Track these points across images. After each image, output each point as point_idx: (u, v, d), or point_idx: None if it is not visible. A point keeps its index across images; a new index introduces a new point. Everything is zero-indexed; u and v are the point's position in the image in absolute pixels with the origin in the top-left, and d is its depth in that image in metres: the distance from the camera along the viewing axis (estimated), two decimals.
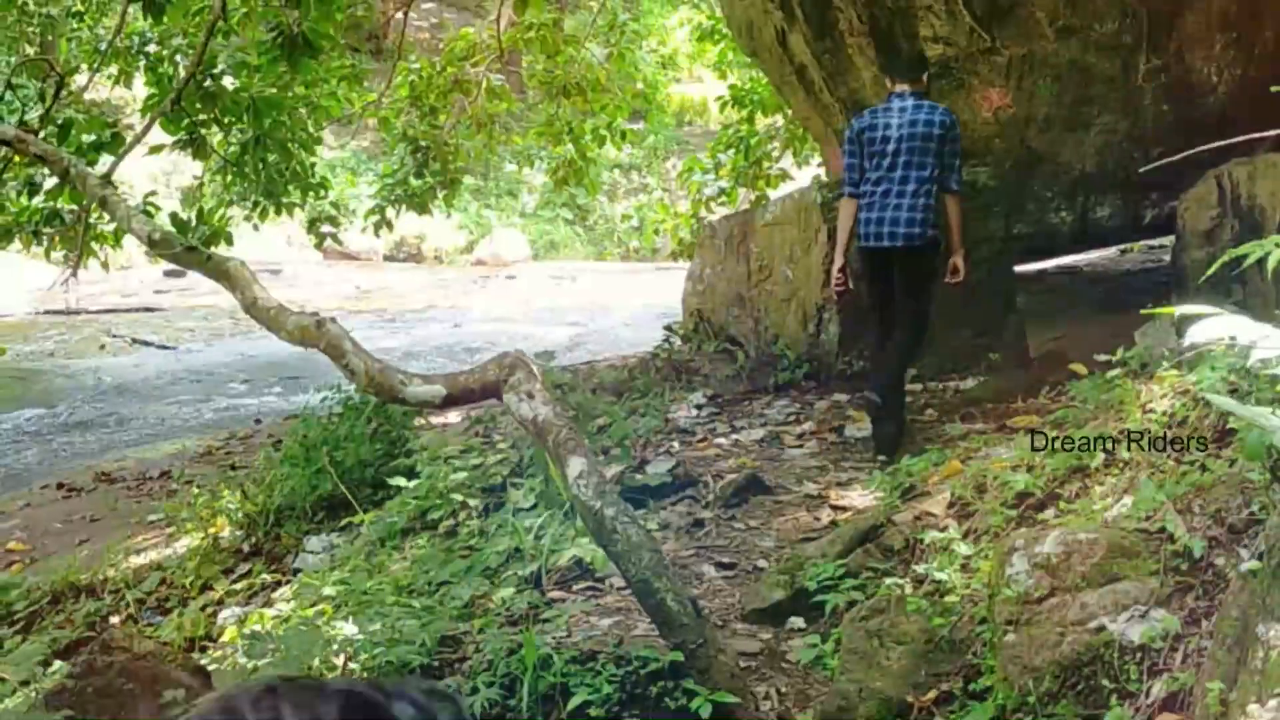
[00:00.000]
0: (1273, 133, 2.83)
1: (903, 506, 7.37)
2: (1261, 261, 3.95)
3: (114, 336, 22.23)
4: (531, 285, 27.69)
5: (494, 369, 6.45)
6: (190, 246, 7.49)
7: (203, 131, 13.14)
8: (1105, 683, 4.46)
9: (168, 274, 25.85)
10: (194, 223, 11.13)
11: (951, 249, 9.37)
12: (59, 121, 11.27)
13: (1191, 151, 3.02)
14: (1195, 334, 2.60)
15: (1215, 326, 2.63)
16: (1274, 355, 2.25)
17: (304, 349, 8.57)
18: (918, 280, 9.31)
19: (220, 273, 7.45)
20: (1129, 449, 6.10)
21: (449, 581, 7.61)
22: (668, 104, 33.77)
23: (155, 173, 25.91)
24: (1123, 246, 16.08)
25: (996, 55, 12.16)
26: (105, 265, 13.50)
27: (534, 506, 8.22)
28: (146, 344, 21.63)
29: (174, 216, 10.78)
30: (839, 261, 9.39)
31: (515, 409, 6.30)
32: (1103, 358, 7.16)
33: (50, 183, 11.73)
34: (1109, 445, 6.21)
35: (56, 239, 12.55)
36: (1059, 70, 11.86)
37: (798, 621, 6.72)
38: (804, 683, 6.12)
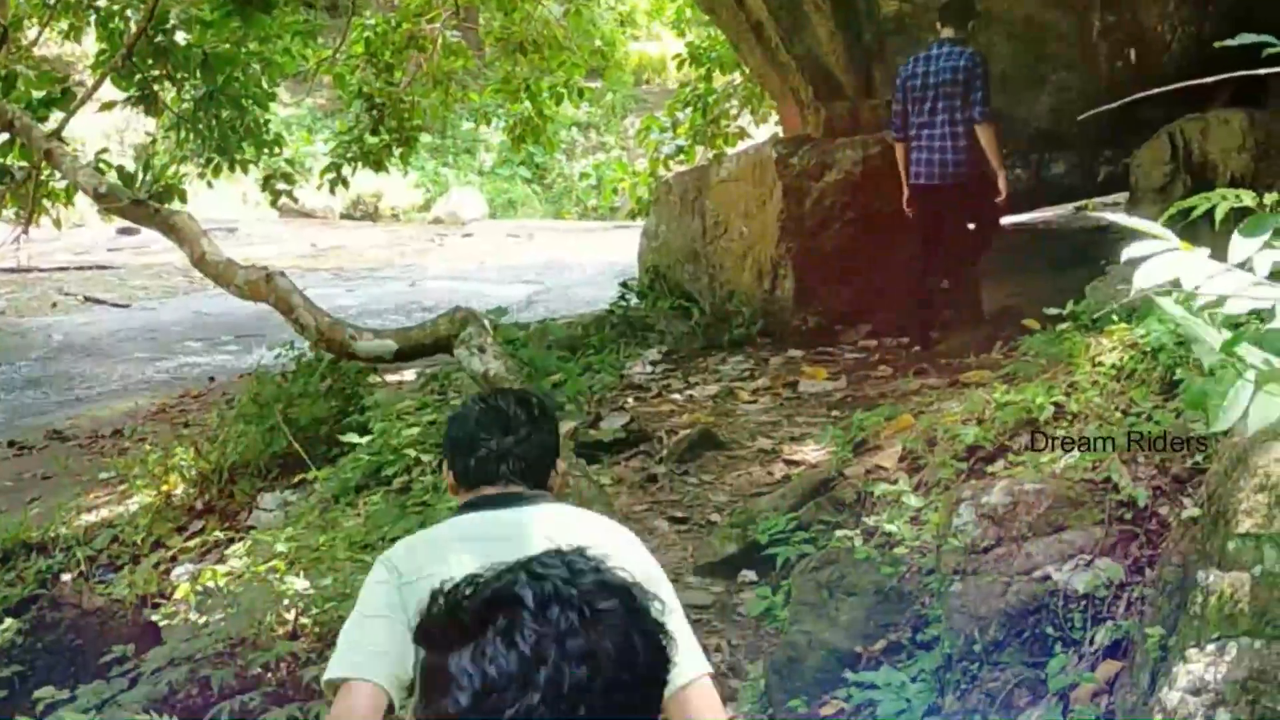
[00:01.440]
0: (1216, 78, 2.82)
1: (854, 460, 7.39)
2: (1210, 214, 3.96)
3: (66, 294, 22.04)
4: (488, 243, 27.55)
5: (445, 324, 6.45)
6: (137, 200, 7.44)
7: (155, 87, 13.01)
8: (1050, 631, 4.49)
9: (121, 232, 25.58)
10: (142, 177, 11.02)
11: (990, 175, 10.15)
12: (3, 74, 11.13)
13: (1142, 94, 3.02)
14: (1141, 277, 2.59)
15: (1163, 267, 2.63)
16: (1220, 295, 2.25)
17: (257, 306, 8.53)
18: (964, 212, 10.40)
19: (168, 226, 7.41)
20: (1078, 402, 6.13)
21: (400, 537, 7.59)
22: (626, 62, 33.54)
23: (108, 130, 25.70)
24: (1078, 204, 16.13)
25: None
26: (57, 223, 13.38)
27: None
28: (99, 302, 21.45)
29: (120, 170, 10.66)
30: (906, 194, 10.46)
31: (466, 363, 6.30)
32: (1053, 311, 7.18)
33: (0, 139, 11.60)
34: (1058, 398, 6.23)
35: (7, 196, 12.42)
36: (1015, 26, 11.85)
37: (750, 575, 6.74)
38: (755, 635, 6.15)
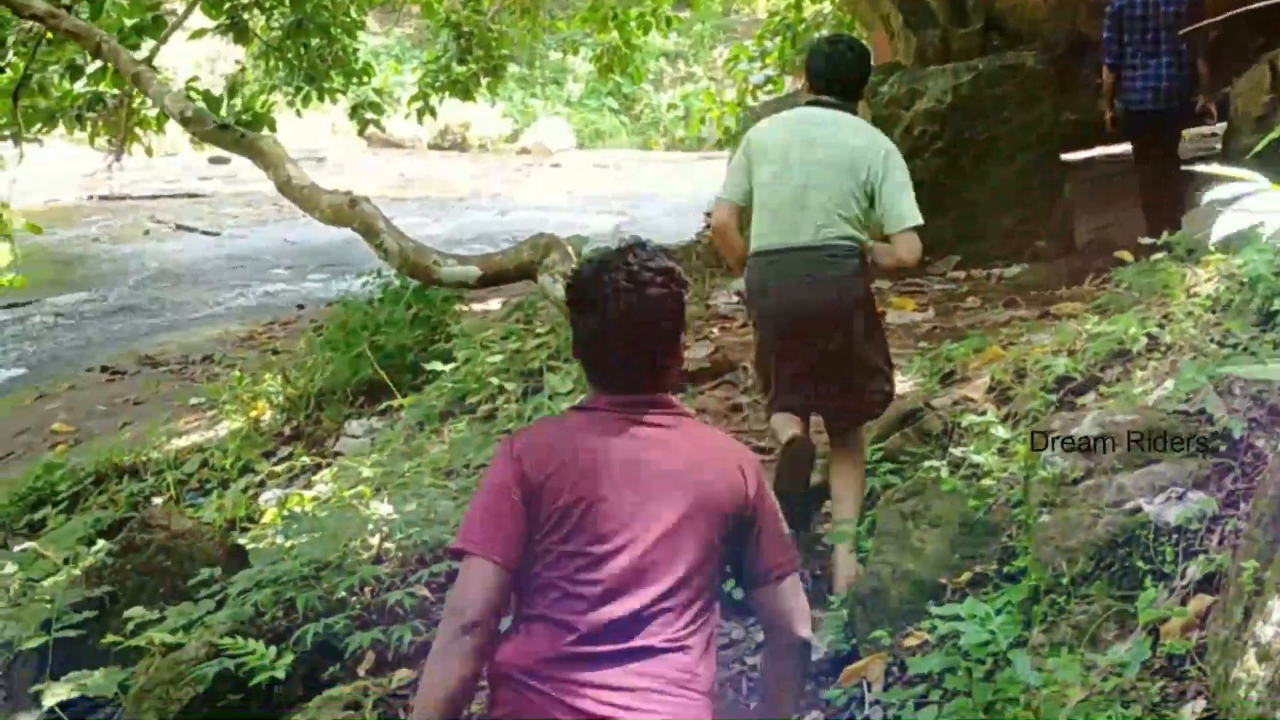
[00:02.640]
0: None
1: (942, 391, 7.30)
2: None
3: (158, 222, 22.27)
4: (576, 174, 27.56)
5: (528, 250, 6.43)
6: (222, 124, 7.45)
7: (244, 16, 13.05)
8: (1140, 564, 4.40)
9: (212, 161, 25.80)
10: (228, 102, 11.06)
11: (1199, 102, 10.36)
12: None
13: (1241, 9, 2.91)
14: (1223, 224, 2.50)
15: (1256, 205, 2.54)
16: None
17: (345, 235, 8.53)
18: (1177, 134, 10.66)
19: (253, 150, 7.42)
20: (1172, 333, 6.02)
21: (485, 464, 7.61)
22: None
23: (199, 59, 25.80)
24: None
25: None
26: (149, 151, 13.48)
27: (570, 391, 8.19)
28: (190, 230, 21.67)
29: (206, 95, 10.70)
30: (1108, 114, 10.58)
31: (549, 290, 6.28)
32: (1148, 241, 7.04)
33: (93, 67, 11.67)
34: (1151, 329, 6.13)
35: (100, 124, 12.52)
36: None
37: None
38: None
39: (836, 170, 5.73)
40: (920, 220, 5.84)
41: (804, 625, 3.37)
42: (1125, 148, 13.29)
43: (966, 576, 5.09)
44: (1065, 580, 4.53)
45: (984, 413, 6.48)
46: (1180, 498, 4.50)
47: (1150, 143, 10.43)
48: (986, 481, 5.62)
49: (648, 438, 3.28)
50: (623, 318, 3.24)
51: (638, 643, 3.10)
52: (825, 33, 18.86)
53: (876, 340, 6.09)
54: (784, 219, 5.74)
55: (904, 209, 5.77)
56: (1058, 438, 5.06)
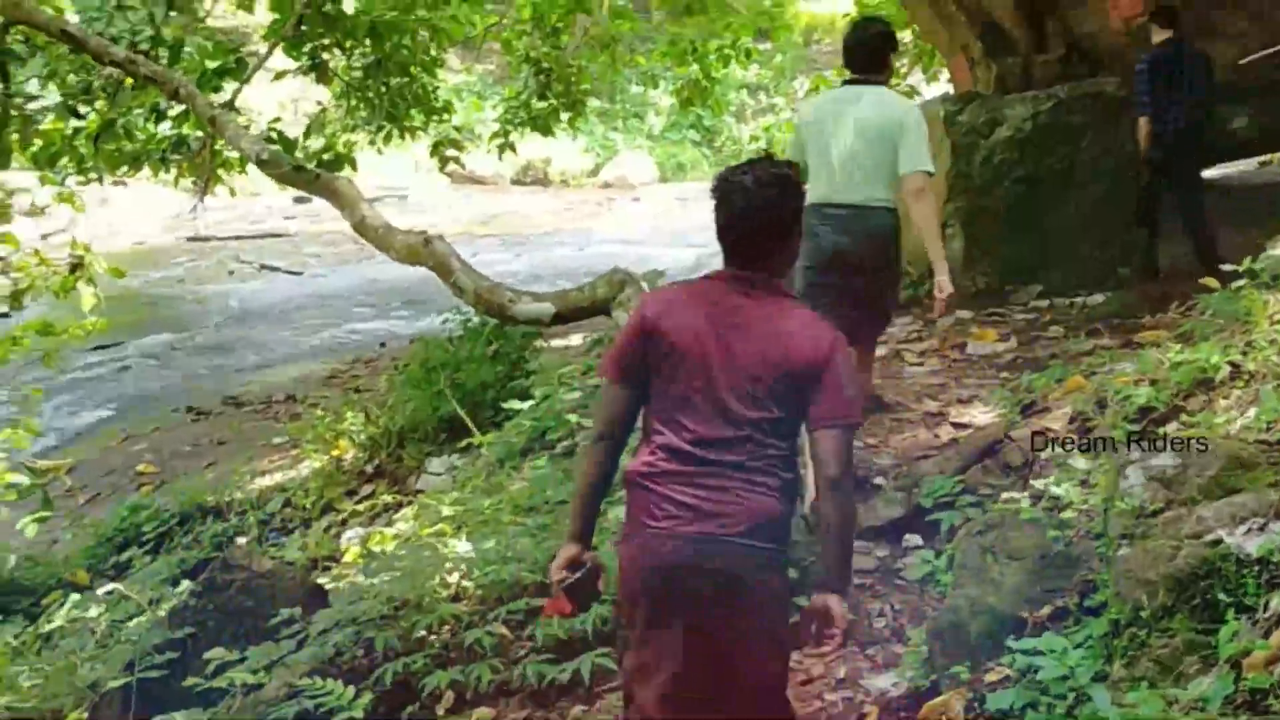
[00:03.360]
0: None
1: (1023, 422, 7.23)
2: None
3: (242, 262, 22.50)
4: (657, 207, 27.61)
5: (603, 286, 6.43)
6: (298, 165, 7.52)
7: (325, 56, 13.17)
8: (1222, 596, 4.32)
9: (296, 200, 26.05)
10: (304, 144, 11.17)
11: None
12: (170, 44, 11.32)
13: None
14: None
15: None
16: None
17: (427, 272, 8.56)
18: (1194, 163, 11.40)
19: (328, 191, 7.48)
20: (1255, 361, 5.93)
21: (564, 501, 7.60)
22: (795, 22, 33.27)
23: (284, 99, 26.11)
24: (1261, 159, 15.65)
25: None
26: (232, 191, 13.62)
27: None
28: (274, 269, 21.88)
29: (281, 136, 10.80)
30: (1143, 157, 11.17)
31: None
32: (1231, 268, 6.94)
33: (176, 111, 11.82)
34: (1234, 357, 6.03)
35: (184, 165, 12.67)
36: None
37: (914, 539, 6.63)
38: (919, 599, 6.05)
39: (868, 140, 6.99)
40: (930, 167, 7.00)
41: (836, 467, 3.97)
42: (1211, 173, 13.18)
43: (1047, 610, 5.03)
44: (1146, 614, 4.45)
45: (1065, 444, 6.41)
46: (1262, 529, 4.42)
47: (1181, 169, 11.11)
48: (1066, 514, 5.55)
49: (745, 305, 4.10)
50: (737, 209, 4.13)
51: (725, 457, 3.98)
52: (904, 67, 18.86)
53: (893, 278, 7.41)
54: (832, 182, 7.04)
55: (914, 154, 6.95)
56: (1138, 469, 4.98)
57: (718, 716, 4.04)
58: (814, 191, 6.93)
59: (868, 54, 7.23)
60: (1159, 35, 11.15)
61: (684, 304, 4.15)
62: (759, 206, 4.12)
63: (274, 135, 11.71)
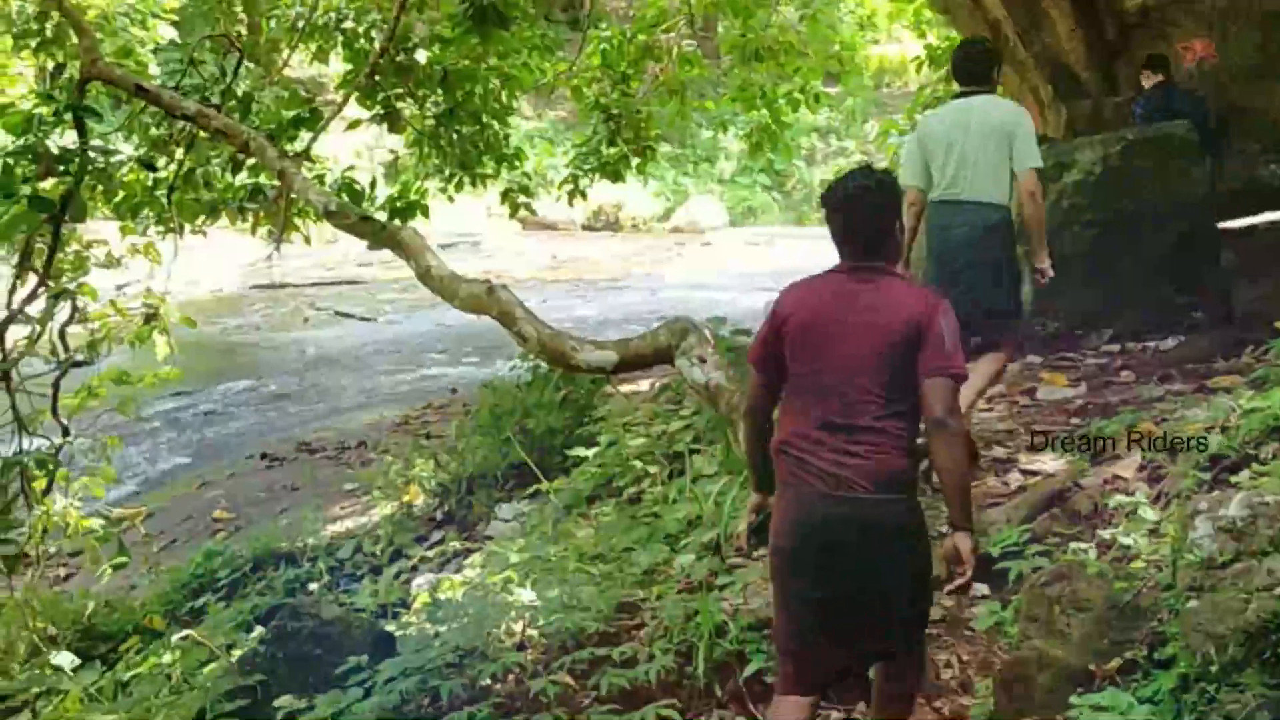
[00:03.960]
0: None
1: (1092, 470, 7.17)
2: None
3: (317, 309, 22.71)
4: (728, 251, 27.64)
5: (665, 334, 6.44)
6: (365, 216, 7.59)
7: (397, 105, 13.29)
8: None
9: (370, 247, 26.26)
10: (370, 194, 11.27)
11: None
12: (241, 96, 11.46)
13: None
14: None
15: None
16: None
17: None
18: None
19: (393, 241, 7.54)
20: None
21: (630, 548, 7.61)
22: (865, 65, 33.25)
23: (359, 148, 26.38)
24: None
25: (1197, 3, 11.76)
26: (308, 239, 13.73)
27: (715, 473, 8.16)
28: (348, 316, 22.06)
29: (351, 185, 10.91)
30: None
31: (687, 374, 6.28)
32: None
33: (253, 161, 11.95)
34: None
35: (260, 214, 12.80)
36: (1258, 18, 11.42)
37: (982, 588, 6.57)
38: (986, 650, 6.00)
39: (985, 141, 7.71)
40: (1040, 163, 7.79)
41: (942, 411, 4.49)
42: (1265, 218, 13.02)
43: (1115, 663, 4.97)
44: (1215, 668, 4.40)
45: (1134, 493, 6.35)
46: None
47: None
48: (1135, 564, 5.50)
49: (861, 290, 4.69)
50: (840, 210, 4.79)
51: (852, 423, 4.55)
52: None
53: (1011, 273, 7.95)
54: (957, 180, 7.78)
55: (1026, 152, 7.69)
56: (1207, 519, 4.93)
57: (858, 650, 4.73)
58: (938, 190, 7.90)
59: (975, 67, 8.03)
60: (1149, 80, 11.82)
61: (810, 295, 4.82)
62: (867, 204, 4.77)
63: (347, 182, 11.82)
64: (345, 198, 9.78)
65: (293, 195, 9.76)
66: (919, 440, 4.63)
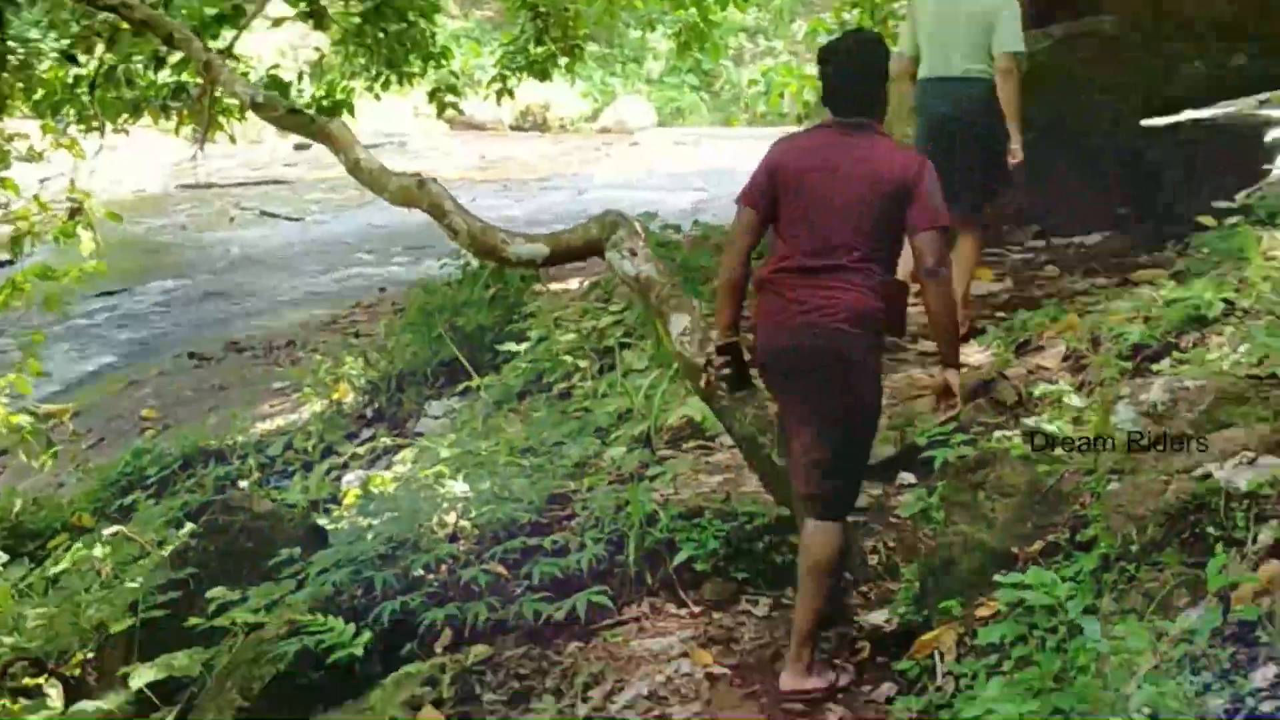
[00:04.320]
0: None
1: (1016, 361, 7.27)
2: None
3: (243, 209, 22.49)
4: (656, 152, 27.53)
5: (596, 227, 6.43)
6: (294, 109, 7.51)
7: (323, 2, 13.11)
8: (1211, 530, 4.36)
9: (297, 147, 26.00)
10: (298, 88, 11.15)
11: None
12: None
13: None
14: None
15: None
16: None
17: (426, 217, 8.56)
18: None
19: (322, 135, 7.46)
20: (1249, 298, 5.96)
21: (561, 442, 7.66)
22: None
23: (282, 46, 25.98)
24: (1261, 96, 15.59)
25: None
26: (233, 139, 13.58)
27: (645, 368, 8.21)
28: (274, 216, 21.85)
29: (277, 81, 10.79)
30: None
31: (618, 266, 6.28)
32: (1223, 205, 6.96)
33: (176, 58, 11.77)
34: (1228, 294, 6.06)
35: (184, 113, 12.64)
36: None
37: (908, 477, 6.67)
38: (912, 536, 6.09)
39: (971, 24, 8.18)
40: (1021, 48, 8.19)
41: (933, 260, 5.00)
42: (1208, 112, 13.10)
43: (1038, 546, 5.07)
44: (1136, 548, 4.50)
45: (1058, 382, 6.45)
46: (1252, 463, 4.46)
47: None
48: (1058, 451, 5.59)
49: (850, 143, 5.14)
50: (833, 68, 5.21)
51: (833, 262, 5.06)
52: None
53: (996, 146, 8.27)
54: (943, 59, 8.28)
55: (1006, 37, 8.12)
56: (1129, 404, 5.02)
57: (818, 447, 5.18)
58: (925, 68, 8.45)
59: None
60: None
61: (802, 146, 5.32)
62: (857, 63, 5.21)
63: (273, 79, 11.68)
64: (275, 92, 9.68)
65: (218, 90, 9.62)
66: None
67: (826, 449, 5.16)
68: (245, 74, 11.25)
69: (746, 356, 5.48)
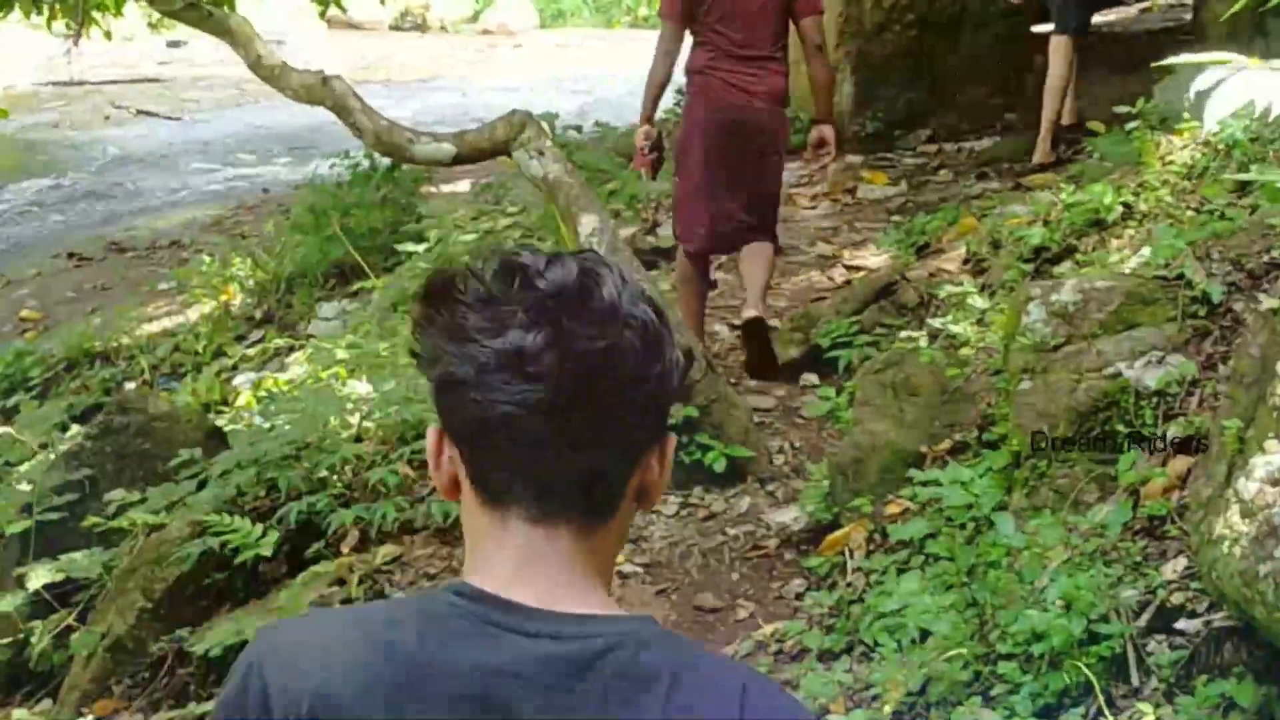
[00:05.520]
0: None
1: (917, 264, 7.34)
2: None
3: (118, 107, 21.96)
4: (538, 54, 27.29)
5: (503, 127, 6.39)
6: (190, 3, 7.33)
7: None
8: (1120, 428, 4.46)
9: (170, 45, 25.45)
10: None
11: None
12: None
13: None
14: (1214, 109, 2.50)
15: (1234, 93, 2.53)
16: None
17: (309, 118, 8.43)
18: None
19: (222, 30, 7.32)
20: (1147, 201, 6.05)
21: None
22: None
23: None
24: (1142, 5, 15.76)
25: None
26: (108, 35, 13.19)
27: None
28: (152, 115, 21.38)
29: None
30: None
31: (525, 166, 6.25)
32: (1122, 110, 7.04)
33: None
34: (1126, 198, 6.15)
35: (56, 8, 12.28)
36: None
37: (811, 378, 6.73)
38: (818, 436, 6.16)
39: None
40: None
41: (818, 37, 6.97)
42: (1099, 18, 13.23)
43: (946, 444, 5.15)
44: (1045, 445, 4.58)
45: (960, 283, 6.52)
46: (1160, 362, 4.55)
47: None
48: (965, 351, 5.66)
49: None
50: None
51: (758, 53, 6.72)
52: None
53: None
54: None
55: None
56: (1039, 304, 5.09)
57: (746, 204, 6.96)
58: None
59: None
60: None
61: None
62: None
63: None
64: None
65: None
66: None
67: (772, 188, 7.09)
68: None
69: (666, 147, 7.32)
